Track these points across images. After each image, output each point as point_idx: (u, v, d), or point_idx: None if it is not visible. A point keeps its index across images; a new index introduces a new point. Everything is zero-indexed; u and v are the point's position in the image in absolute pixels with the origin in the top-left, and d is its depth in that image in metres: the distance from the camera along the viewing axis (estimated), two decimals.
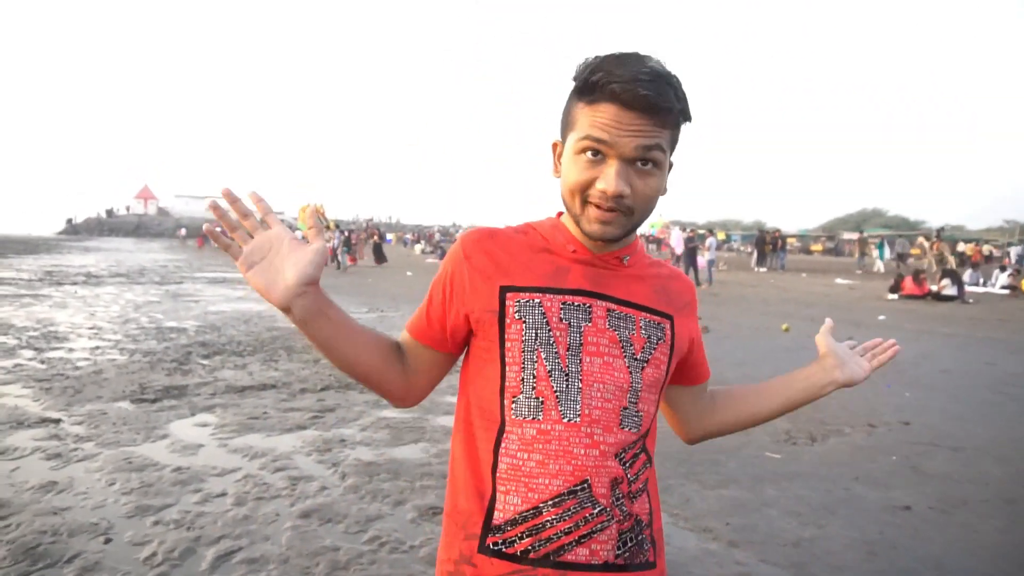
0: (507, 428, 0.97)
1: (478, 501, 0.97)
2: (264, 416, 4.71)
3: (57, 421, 4.44)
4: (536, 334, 0.96)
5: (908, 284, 15.29)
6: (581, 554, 0.94)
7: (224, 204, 0.94)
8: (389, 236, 48.43)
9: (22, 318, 9.07)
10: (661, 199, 0.99)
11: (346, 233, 23.89)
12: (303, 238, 0.97)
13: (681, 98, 0.94)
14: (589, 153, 0.93)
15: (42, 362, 6.25)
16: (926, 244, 21.27)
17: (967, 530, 3.16)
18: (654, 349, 1.02)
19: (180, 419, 4.59)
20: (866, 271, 24.11)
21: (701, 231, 29.45)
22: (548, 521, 0.94)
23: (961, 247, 28.35)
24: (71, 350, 6.91)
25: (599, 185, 0.93)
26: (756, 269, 25.04)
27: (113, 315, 9.75)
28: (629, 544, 0.98)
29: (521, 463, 0.95)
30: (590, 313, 0.99)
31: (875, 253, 25.74)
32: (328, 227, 22.09)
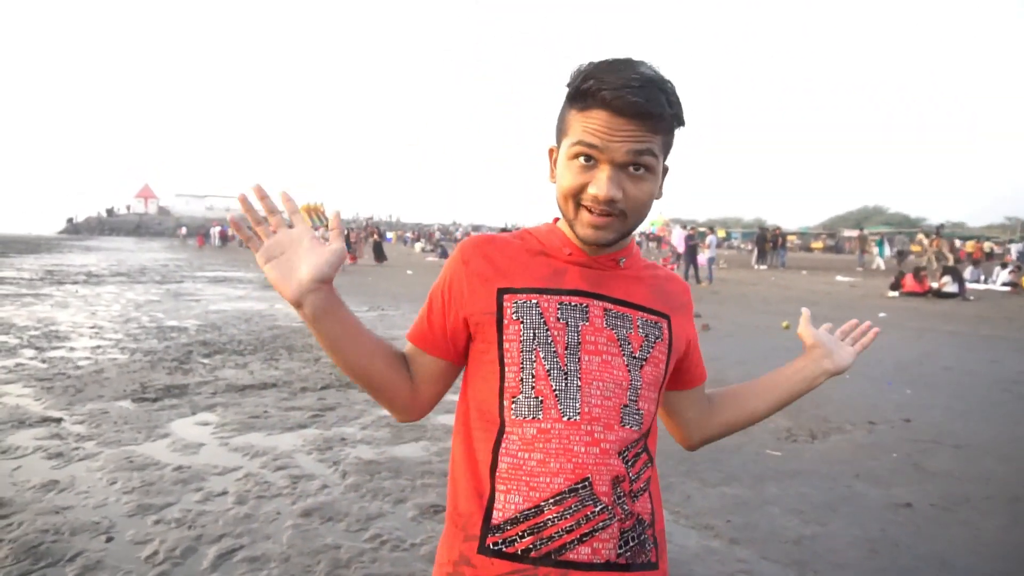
0: (507, 428, 0.97)
1: (477, 501, 0.97)
2: (265, 415, 4.71)
3: (58, 420, 4.45)
4: (534, 334, 0.97)
5: (909, 281, 15.28)
6: (583, 553, 0.94)
7: (253, 199, 0.97)
8: (389, 235, 48.48)
9: (23, 317, 9.08)
10: (658, 201, 1.01)
11: (346, 232, 23.90)
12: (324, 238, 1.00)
13: (673, 103, 0.95)
14: (582, 158, 0.95)
15: (43, 361, 6.26)
16: (925, 241, 21.24)
17: (969, 528, 3.16)
18: (652, 348, 1.02)
19: (181, 418, 4.60)
20: (867, 268, 24.10)
21: (702, 229, 29.38)
22: (549, 519, 0.93)
23: (958, 244, 28.32)
24: (72, 349, 6.91)
25: (591, 190, 0.94)
26: (756, 267, 25.00)
27: (114, 314, 9.76)
28: (631, 543, 0.97)
29: (522, 462, 0.95)
30: (587, 313, 0.99)
31: (875, 251, 25.74)
32: (326, 226, 22.14)
